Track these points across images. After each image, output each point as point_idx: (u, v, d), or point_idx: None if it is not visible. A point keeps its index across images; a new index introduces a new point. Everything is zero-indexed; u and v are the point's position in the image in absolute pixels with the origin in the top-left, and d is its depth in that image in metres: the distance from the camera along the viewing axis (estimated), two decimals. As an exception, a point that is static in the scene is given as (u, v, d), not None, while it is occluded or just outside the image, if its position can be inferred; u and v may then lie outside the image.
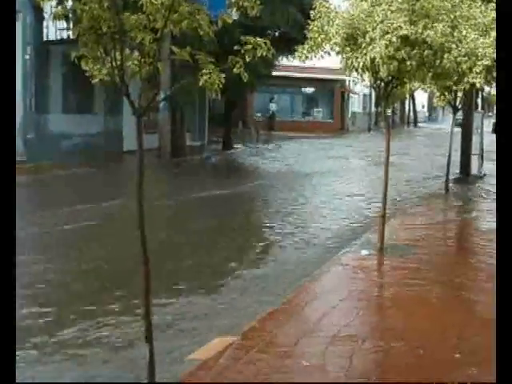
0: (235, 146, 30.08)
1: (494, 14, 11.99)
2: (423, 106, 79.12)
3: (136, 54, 4.08)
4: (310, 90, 50.44)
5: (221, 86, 3.91)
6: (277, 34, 27.99)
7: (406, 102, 68.50)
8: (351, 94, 54.33)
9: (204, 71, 3.87)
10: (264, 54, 3.90)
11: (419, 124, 69.26)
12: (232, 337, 5.65)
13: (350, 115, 54.25)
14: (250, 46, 3.91)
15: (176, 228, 11.46)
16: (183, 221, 12.35)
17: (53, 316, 6.58)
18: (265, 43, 3.91)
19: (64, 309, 6.88)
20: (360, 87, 50.81)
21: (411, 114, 69.97)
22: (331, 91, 50.35)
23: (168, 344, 5.61)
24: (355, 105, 57.22)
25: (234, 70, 3.92)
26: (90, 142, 22.32)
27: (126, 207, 11.41)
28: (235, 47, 3.99)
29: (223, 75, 3.92)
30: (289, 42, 23.64)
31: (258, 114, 42.15)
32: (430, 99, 67.54)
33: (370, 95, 54.67)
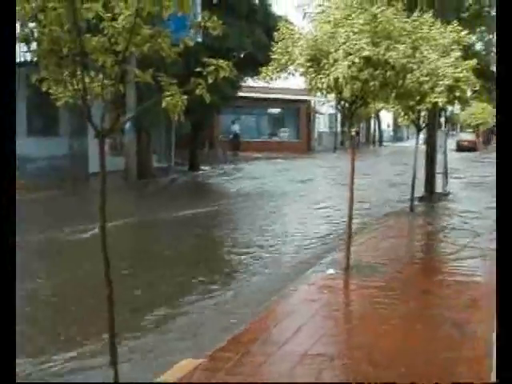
0: (202, 168, 30.08)
1: (453, 36, 12.25)
2: (388, 126, 79.92)
3: (100, 76, 4.08)
4: (276, 110, 50.72)
5: (183, 107, 3.92)
6: (242, 55, 28.15)
7: (372, 122, 69.24)
8: (317, 114, 54.70)
9: (166, 93, 3.88)
10: (226, 75, 3.93)
11: (385, 143, 69.92)
12: (199, 359, 5.62)
13: (316, 135, 54.57)
14: (212, 68, 3.94)
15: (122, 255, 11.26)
16: (136, 246, 12.25)
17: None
18: (227, 65, 3.94)
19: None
20: (326, 107, 51.23)
21: (377, 133, 70.63)
22: (297, 111, 50.70)
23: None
24: (321, 125, 57.57)
25: (197, 91, 3.94)
26: (55, 165, 22.18)
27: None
28: (197, 69, 4.01)
29: (186, 97, 3.93)
30: (254, 63, 23.80)
31: (220, 136, 42.27)
32: (395, 118, 68.33)
33: (336, 115, 55.16)
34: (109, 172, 4.33)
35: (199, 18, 4.23)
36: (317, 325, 6.87)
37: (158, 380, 5.22)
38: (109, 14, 3.89)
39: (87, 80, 3.99)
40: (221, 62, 3.93)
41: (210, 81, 3.94)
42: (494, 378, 3.15)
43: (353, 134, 9.49)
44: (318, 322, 7.02)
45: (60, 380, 5.54)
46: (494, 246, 9.67)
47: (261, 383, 5.14)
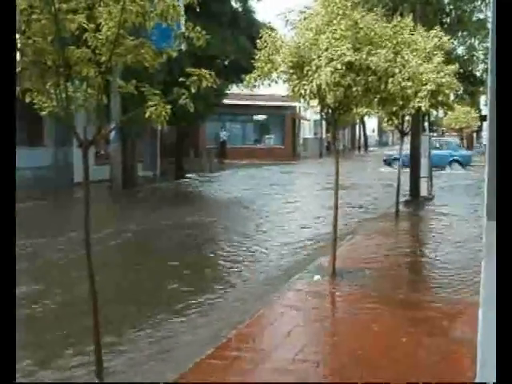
0: (187, 176, 30.02)
1: (435, 41, 12.39)
2: (373, 131, 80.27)
3: (83, 86, 4.09)
4: (261, 117, 50.83)
5: (167, 117, 3.94)
6: (227, 62, 28.23)
7: (357, 127, 69.52)
8: (302, 120, 54.85)
9: (150, 103, 3.90)
10: (209, 84, 3.96)
11: (370, 148, 70.13)
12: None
13: (301, 141, 54.71)
14: (195, 78, 3.96)
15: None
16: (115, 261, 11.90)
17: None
18: (209, 74, 3.97)
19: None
20: (311, 113, 51.38)
21: (362, 138, 70.89)
22: (282, 118, 50.79)
23: None
24: (306, 131, 57.75)
25: (180, 101, 3.96)
26: (40, 175, 22.12)
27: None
28: (181, 79, 4.03)
29: (169, 107, 3.95)
30: (239, 71, 23.87)
31: (206, 143, 42.35)
32: (379, 123, 68.71)
33: (321, 121, 55.25)
34: (94, 181, 4.36)
35: (183, 28, 4.26)
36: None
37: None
38: (92, 25, 3.91)
39: (71, 89, 4.00)
40: (203, 71, 3.96)
41: (193, 90, 3.96)
42: (479, 379, 3.16)
43: (329, 140, 9.52)
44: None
45: None
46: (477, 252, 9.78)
47: (259, 383, 5.18)
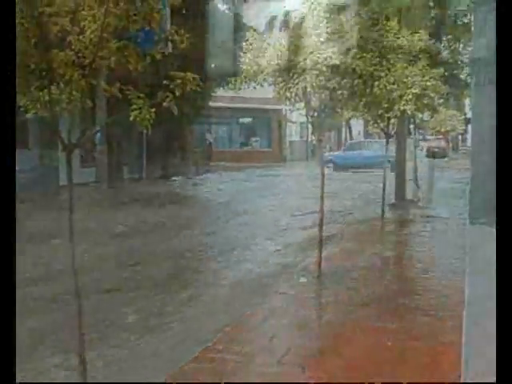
0: (173, 178, 29.96)
1: (421, 44, 12.43)
2: (359, 133, 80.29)
3: (67, 89, 4.06)
4: (247, 119, 50.80)
5: (151, 121, 3.92)
6: (213, 64, 28.19)
7: (343, 130, 69.57)
8: (288, 123, 54.85)
9: (134, 106, 3.88)
10: (193, 88, 3.94)
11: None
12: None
13: (287, 144, 54.71)
14: (179, 81, 3.95)
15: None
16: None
17: None
18: (194, 78, 3.95)
19: None
20: (297, 116, 51.40)
21: (348, 141, 70.94)
22: (268, 120, 50.80)
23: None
24: (293, 133, 57.74)
25: (164, 104, 3.94)
26: (25, 178, 21.98)
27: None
28: (165, 81, 4.02)
29: (154, 110, 3.93)
30: (225, 73, 23.85)
31: (192, 146, 42.30)
32: (366, 126, 68.69)
33: (307, 124, 55.16)
34: (79, 184, 4.34)
35: (168, 28, 4.23)
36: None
37: None
38: (76, 28, 3.88)
39: (56, 92, 3.97)
40: (188, 74, 3.95)
41: (178, 94, 3.95)
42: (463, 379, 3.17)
43: (314, 143, 9.56)
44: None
45: None
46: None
47: (255, 383, 5.18)
